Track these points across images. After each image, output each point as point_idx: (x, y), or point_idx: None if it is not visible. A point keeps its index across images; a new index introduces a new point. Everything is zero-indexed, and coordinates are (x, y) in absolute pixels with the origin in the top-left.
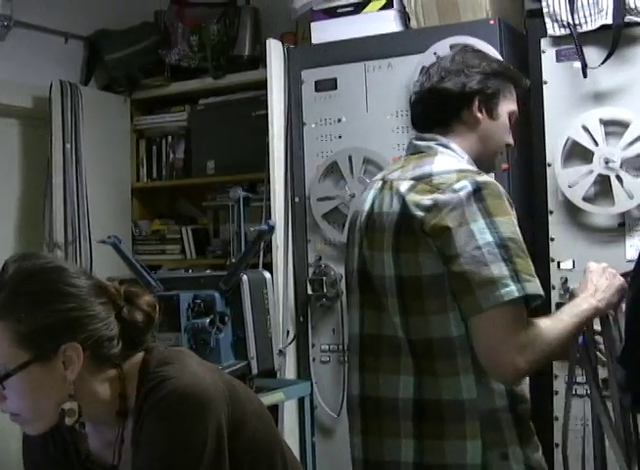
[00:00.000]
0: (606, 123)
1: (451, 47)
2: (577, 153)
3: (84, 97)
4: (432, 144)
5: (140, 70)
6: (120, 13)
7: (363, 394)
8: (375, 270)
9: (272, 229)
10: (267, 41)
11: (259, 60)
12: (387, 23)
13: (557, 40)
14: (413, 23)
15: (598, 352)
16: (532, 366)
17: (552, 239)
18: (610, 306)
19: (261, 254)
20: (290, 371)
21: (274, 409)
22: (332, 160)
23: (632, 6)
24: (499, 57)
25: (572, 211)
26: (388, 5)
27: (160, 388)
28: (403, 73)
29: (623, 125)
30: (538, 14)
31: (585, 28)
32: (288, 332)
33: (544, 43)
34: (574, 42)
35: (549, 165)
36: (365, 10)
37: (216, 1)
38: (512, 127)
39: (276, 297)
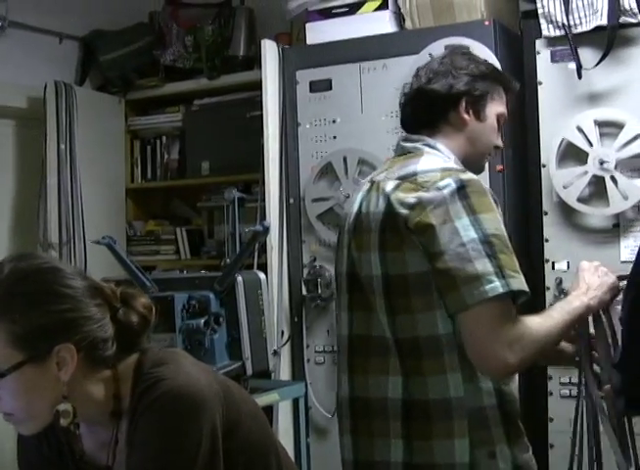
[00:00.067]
0: (600, 124)
1: (446, 48)
2: (572, 154)
3: (79, 97)
4: (418, 145)
5: (134, 71)
6: (115, 13)
7: (353, 395)
8: (363, 271)
9: (267, 230)
10: (262, 42)
11: (254, 60)
12: (382, 23)
13: (552, 41)
14: (408, 24)
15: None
16: (523, 362)
17: (547, 240)
18: (602, 304)
19: (256, 254)
20: (284, 372)
21: (269, 410)
22: (326, 161)
23: (627, 7)
24: (493, 58)
25: (567, 212)
26: (383, 6)
27: (154, 388)
28: (398, 74)
29: (618, 126)
30: (533, 15)
31: (580, 29)
32: (282, 333)
33: (539, 44)
34: (569, 43)
35: (544, 166)
36: (360, 11)
37: (211, 2)
38: (500, 129)
39: (271, 297)
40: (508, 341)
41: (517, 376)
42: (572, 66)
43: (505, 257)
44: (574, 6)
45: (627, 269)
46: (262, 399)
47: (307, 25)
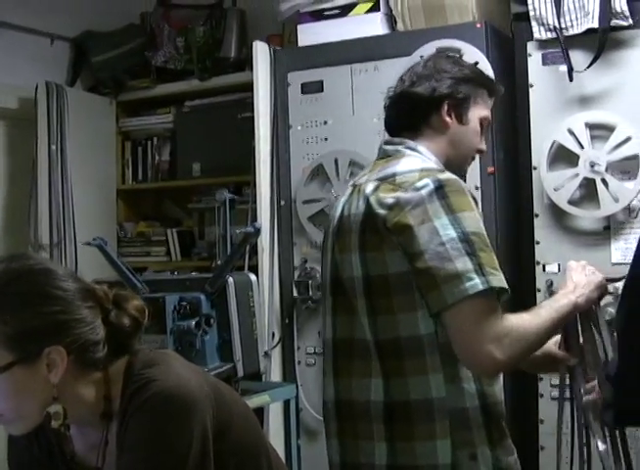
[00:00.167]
0: (591, 127)
1: (437, 50)
2: (563, 156)
3: (70, 98)
4: (399, 147)
5: (126, 72)
6: (106, 14)
7: (338, 398)
8: (345, 273)
9: (258, 232)
10: (253, 43)
11: (245, 62)
12: (373, 25)
13: (543, 44)
14: (400, 26)
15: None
16: (511, 359)
17: (537, 242)
18: (589, 303)
19: (247, 256)
20: (275, 374)
21: (259, 412)
22: (318, 162)
23: (618, 10)
24: (485, 60)
25: (558, 215)
26: (374, 8)
27: (144, 389)
28: (390, 76)
29: (609, 129)
30: (525, 17)
31: (571, 32)
32: (273, 334)
33: (530, 46)
34: (561, 46)
35: (535, 169)
36: (352, 13)
37: (202, 3)
38: (484, 133)
39: (262, 299)
40: (495, 337)
41: (501, 377)
42: (564, 68)
43: (485, 254)
44: (566, 8)
45: (618, 272)
46: (253, 401)
47: (299, 27)
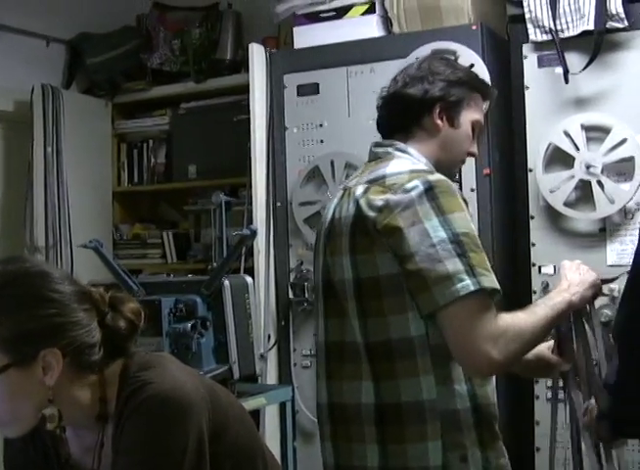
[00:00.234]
0: (587, 129)
1: (433, 52)
2: (559, 158)
3: (66, 101)
4: (389, 149)
5: (121, 74)
6: (102, 17)
7: (330, 401)
8: (336, 276)
9: (254, 234)
10: (249, 45)
11: (241, 64)
12: (369, 28)
13: (539, 46)
14: (395, 29)
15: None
16: (508, 358)
17: (533, 244)
18: (584, 301)
19: (243, 258)
20: (271, 376)
21: (255, 414)
22: (314, 164)
23: (614, 12)
24: (480, 62)
25: (554, 217)
26: (370, 10)
27: (140, 392)
28: (385, 79)
29: (605, 131)
30: (520, 19)
31: (567, 34)
32: (269, 337)
33: (526, 49)
34: (556, 48)
35: (530, 171)
36: (347, 15)
37: (198, 5)
38: (476, 137)
39: (257, 301)
40: (490, 336)
41: (494, 378)
42: (559, 70)
43: (475, 255)
44: (562, 11)
45: (613, 273)
46: (249, 403)
47: (295, 29)
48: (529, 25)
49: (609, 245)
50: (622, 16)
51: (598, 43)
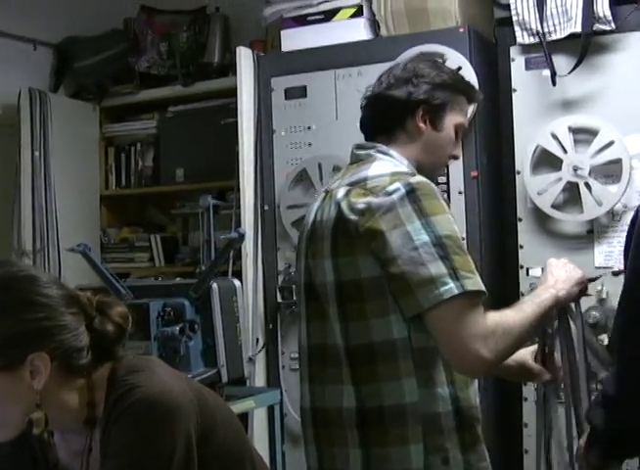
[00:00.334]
0: (575, 131)
1: (420, 54)
2: (546, 160)
3: (53, 104)
4: (371, 152)
5: (109, 78)
6: (90, 20)
7: (313, 405)
8: (318, 279)
9: (242, 237)
10: (237, 49)
11: (229, 67)
12: (357, 31)
13: (526, 48)
14: (383, 31)
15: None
16: (499, 357)
17: (521, 246)
18: (570, 297)
19: (231, 262)
20: (259, 379)
21: (244, 417)
22: (301, 167)
23: (601, 15)
24: (468, 65)
25: (541, 219)
26: (358, 13)
27: (128, 395)
28: (373, 81)
29: (592, 133)
30: (508, 22)
31: (554, 37)
32: (257, 340)
33: (513, 51)
34: (544, 50)
35: (518, 173)
36: (335, 18)
37: (186, 8)
38: (459, 139)
39: (246, 304)
40: (480, 336)
41: (476, 381)
42: (547, 73)
43: (458, 258)
44: (549, 13)
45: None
46: (238, 407)
47: (282, 33)
48: (517, 28)
49: (596, 247)
50: (610, 18)
51: (585, 46)
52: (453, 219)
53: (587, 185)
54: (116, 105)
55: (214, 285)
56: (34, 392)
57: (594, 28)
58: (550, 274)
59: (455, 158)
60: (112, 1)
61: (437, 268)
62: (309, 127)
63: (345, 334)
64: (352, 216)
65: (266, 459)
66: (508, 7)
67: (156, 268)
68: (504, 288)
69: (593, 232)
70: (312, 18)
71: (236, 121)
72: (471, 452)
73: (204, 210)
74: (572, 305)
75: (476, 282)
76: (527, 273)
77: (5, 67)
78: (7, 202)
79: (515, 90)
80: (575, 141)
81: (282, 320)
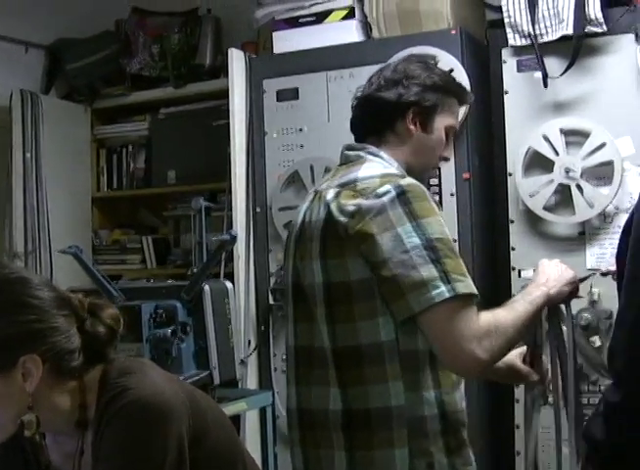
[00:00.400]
0: (566, 133)
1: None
2: (538, 162)
3: (45, 106)
4: (361, 153)
5: (101, 80)
6: (81, 22)
7: (300, 406)
8: (306, 280)
9: (234, 239)
10: (229, 51)
11: (221, 69)
12: (348, 33)
13: (518, 50)
14: (375, 33)
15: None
16: (494, 357)
17: (513, 248)
18: (561, 295)
19: (223, 263)
20: (251, 381)
21: (236, 419)
22: (293, 169)
23: (592, 17)
24: (460, 67)
25: (533, 221)
26: (349, 15)
27: (120, 398)
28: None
29: (584, 135)
30: (499, 24)
31: (546, 39)
32: (249, 342)
33: (505, 53)
34: (535, 52)
35: (510, 175)
36: (327, 20)
37: (178, 10)
38: (450, 142)
39: (237, 306)
40: (474, 335)
41: (462, 386)
42: (538, 75)
43: (450, 261)
44: (540, 16)
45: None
46: (230, 409)
47: (274, 34)
48: (509, 30)
49: (588, 249)
50: (601, 20)
51: (577, 48)
52: (444, 221)
53: (579, 187)
54: (108, 106)
55: (206, 287)
56: (26, 394)
57: (586, 31)
58: (542, 273)
59: (446, 159)
60: (103, 3)
61: (429, 272)
62: (301, 129)
63: (333, 336)
64: (342, 218)
65: (258, 461)
66: (500, 9)
67: (147, 270)
68: (496, 290)
69: (585, 234)
70: (304, 20)
71: (228, 123)
72: (456, 456)
73: (195, 211)
74: (563, 307)
75: (467, 285)
76: (519, 275)
77: None
78: None
79: (506, 92)
80: (567, 143)
81: (274, 322)
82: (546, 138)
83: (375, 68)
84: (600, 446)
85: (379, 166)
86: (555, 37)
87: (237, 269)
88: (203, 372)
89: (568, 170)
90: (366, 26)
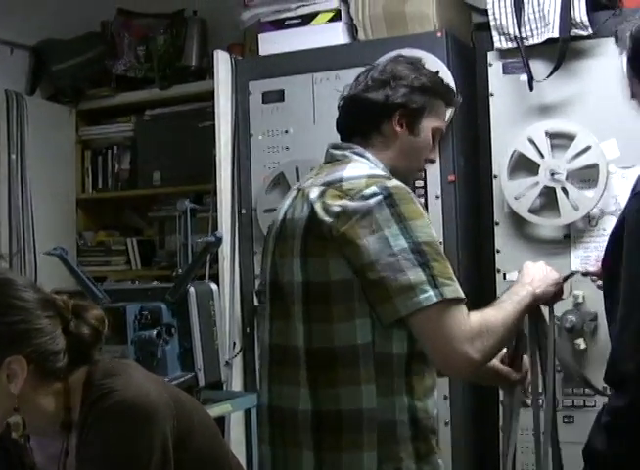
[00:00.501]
0: (552, 136)
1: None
2: (523, 165)
3: (30, 107)
4: (347, 152)
5: (86, 81)
6: (67, 23)
7: (271, 404)
8: (284, 277)
9: (219, 241)
10: (215, 52)
11: (206, 71)
12: (334, 35)
13: (504, 53)
14: (361, 36)
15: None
16: (485, 357)
17: (498, 250)
18: (547, 295)
19: (208, 265)
20: (236, 383)
21: (221, 421)
22: (279, 171)
23: (578, 20)
24: (445, 69)
25: (518, 223)
26: (335, 17)
27: (105, 399)
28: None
29: (569, 138)
30: (485, 27)
31: (532, 42)
32: (234, 344)
33: (491, 56)
34: (521, 55)
35: (495, 177)
36: (313, 22)
37: (163, 12)
38: (436, 144)
39: (223, 308)
40: (466, 336)
41: (435, 392)
42: (524, 78)
43: (438, 264)
44: (526, 18)
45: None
46: (214, 410)
47: (260, 36)
48: (494, 33)
49: (573, 251)
50: (587, 24)
51: (562, 51)
52: (430, 223)
53: (564, 190)
54: (93, 108)
55: (191, 289)
56: (12, 395)
57: (571, 34)
58: (527, 274)
59: (431, 162)
60: (89, 4)
61: (416, 275)
62: (287, 131)
63: (308, 336)
64: (327, 218)
65: (243, 463)
66: (486, 12)
67: (132, 272)
68: (481, 292)
69: (570, 237)
70: (290, 21)
71: (213, 125)
72: (424, 463)
73: (181, 213)
74: (547, 311)
75: (455, 289)
76: (504, 278)
77: None
78: None
79: (492, 95)
80: (552, 146)
81: (259, 324)
82: (531, 141)
83: (361, 70)
84: (601, 457)
85: (365, 167)
86: (541, 40)
87: (222, 271)
88: (187, 374)
89: (553, 173)
90: (352, 29)
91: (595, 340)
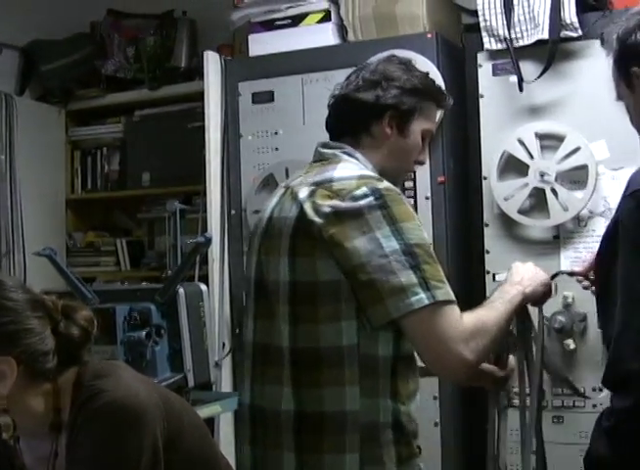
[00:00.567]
0: (541, 137)
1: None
2: (513, 166)
3: (19, 108)
4: (337, 152)
5: (75, 81)
6: (56, 23)
7: (252, 403)
8: (270, 276)
9: (209, 242)
10: (204, 53)
11: (196, 71)
12: (324, 36)
13: (493, 54)
14: (351, 37)
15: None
16: (480, 357)
17: (487, 251)
18: (536, 295)
19: (197, 266)
20: (226, 384)
21: (210, 422)
22: (268, 172)
23: (568, 21)
24: (435, 71)
25: (508, 224)
26: (325, 18)
27: (94, 400)
28: None
29: (558, 139)
30: (475, 28)
31: (521, 43)
32: (224, 344)
33: (481, 57)
34: (511, 56)
35: (485, 179)
36: (303, 23)
37: (153, 12)
38: (426, 146)
39: (212, 309)
40: (460, 337)
41: (418, 396)
42: (514, 79)
43: (429, 267)
44: (516, 20)
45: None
46: (204, 411)
47: (250, 37)
48: (484, 34)
49: (562, 252)
50: (577, 25)
51: (552, 52)
52: (421, 224)
53: (553, 191)
54: (83, 108)
55: (181, 290)
56: (1, 396)
57: (561, 35)
58: (516, 273)
59: (421, 163)
60: (78, 4)
61: (408, 278)
62: (276, 132)
63: (293, 336)
64: (316, 219)
65: (232, 464)
66: (475, 13)
67: (122, 273)
68: (470, 293)
69: (559, 238)
70: (280, 22)
71: (203, 126)
72: (406, 466)
73: (170, 214)
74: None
75: (446, 292)
76: (494, 278)
77: None
78: None
79: (482, 96)
80: (542, 147)
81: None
82: (521, 142)
83: (351, 71)
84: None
85: (355, 168)
86: (530, 41)
87: (212, 272)
88: (177, 375)
89: (542, 174)
90: (342, 30)
91: (584, 340)
